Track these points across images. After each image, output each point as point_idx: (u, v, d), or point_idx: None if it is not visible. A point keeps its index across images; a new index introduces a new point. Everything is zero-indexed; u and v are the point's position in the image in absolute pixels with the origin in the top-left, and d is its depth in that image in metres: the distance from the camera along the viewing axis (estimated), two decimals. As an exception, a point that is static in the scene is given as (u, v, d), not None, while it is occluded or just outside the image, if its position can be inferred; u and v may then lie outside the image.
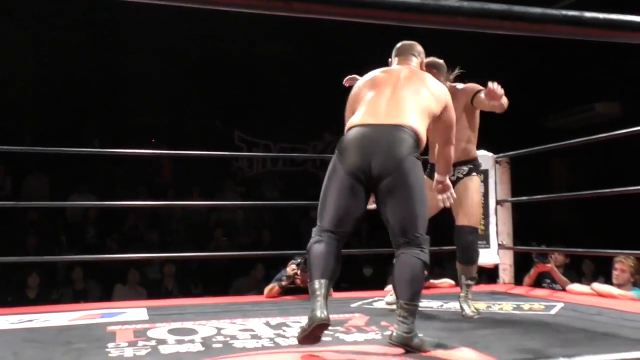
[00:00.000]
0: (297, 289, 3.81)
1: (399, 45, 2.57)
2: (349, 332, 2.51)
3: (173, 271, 6.36)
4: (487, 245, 3.96)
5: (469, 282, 3.05)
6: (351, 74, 2.93)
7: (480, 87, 2.97)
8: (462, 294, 3.03)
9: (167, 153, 7.61)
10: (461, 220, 3.05)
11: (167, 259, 6.30)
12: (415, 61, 2.51)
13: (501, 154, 4.12)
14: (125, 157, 7.14)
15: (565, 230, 8.53)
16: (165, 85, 8.50)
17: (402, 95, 2.24)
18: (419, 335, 2.12)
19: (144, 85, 8.37)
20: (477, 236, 3.18)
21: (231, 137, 9.52)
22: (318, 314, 2.00)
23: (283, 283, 3.82)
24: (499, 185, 4.08)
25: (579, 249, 4.69)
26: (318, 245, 2.16)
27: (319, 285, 2.07)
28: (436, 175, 2.57)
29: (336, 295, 3.78)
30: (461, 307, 3.00)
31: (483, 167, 3.53)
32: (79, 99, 8.38)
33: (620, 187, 3.66)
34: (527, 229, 6.89)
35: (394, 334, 2.09)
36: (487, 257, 3.96)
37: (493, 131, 3.68)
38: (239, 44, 8.79)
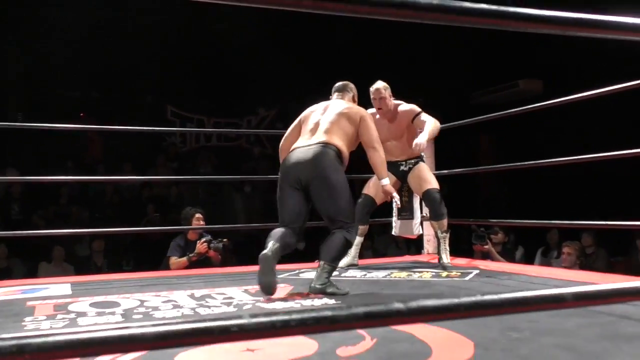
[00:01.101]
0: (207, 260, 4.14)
1: (335, 85, 3.20)
2: (270, 302, 2.57)
3: (102, 247, 6.24)
4: (411, 217, 4.10)
5: (444, 234, 3.72)
6: None
7: (419, 110, 3.72)
8: (441, 246, 3.72)
9: (97, 128, 7.40)
10: (426, 186, 3.71)
11: (96, 235, 6.16)
12: (348, 96, 3.13)
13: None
14: (52, 132, 6.89)
15: (491, 205, 8.89)
16: (94, 58, 8.21)
17: (326, 122, 2.91)
18: (333, 284, 2.72)
19: (71, 57, 8.06)
20: (442, 195, 3.74)
21: (164, 112, 9.34)
22: (261, 278, 2.59)
23: (193, 258, 3.95)
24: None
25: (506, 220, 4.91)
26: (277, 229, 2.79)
27: (270, 247, 2.60)
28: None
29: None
30: (440, 256, 3.70)
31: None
32: (0, 70, 8.00)
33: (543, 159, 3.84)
34: (454, 203, 7.13)
35: (312, 285, 2.72)
36: (410, 228, 4.11)
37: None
38: (171, 18, 8.58)
